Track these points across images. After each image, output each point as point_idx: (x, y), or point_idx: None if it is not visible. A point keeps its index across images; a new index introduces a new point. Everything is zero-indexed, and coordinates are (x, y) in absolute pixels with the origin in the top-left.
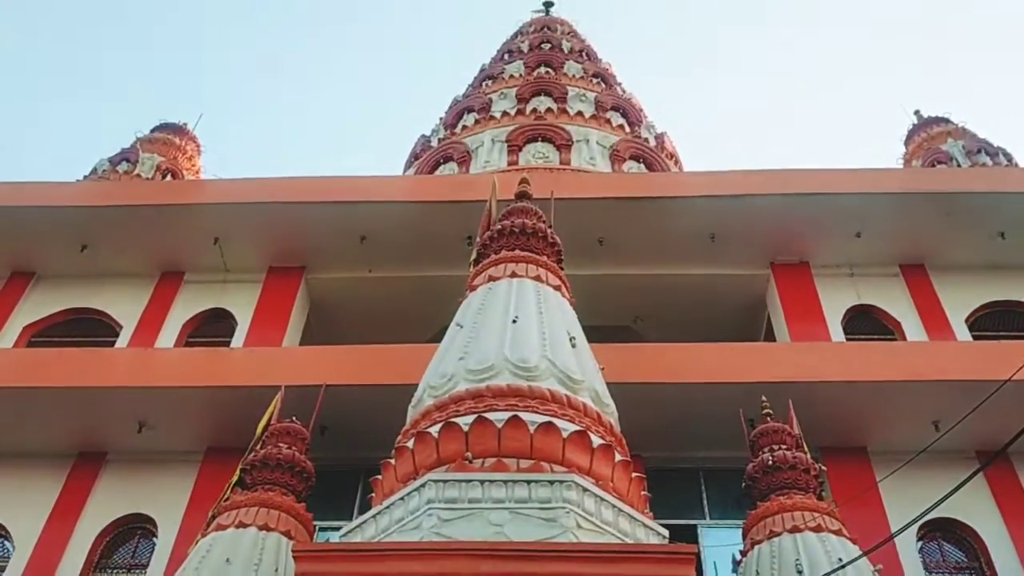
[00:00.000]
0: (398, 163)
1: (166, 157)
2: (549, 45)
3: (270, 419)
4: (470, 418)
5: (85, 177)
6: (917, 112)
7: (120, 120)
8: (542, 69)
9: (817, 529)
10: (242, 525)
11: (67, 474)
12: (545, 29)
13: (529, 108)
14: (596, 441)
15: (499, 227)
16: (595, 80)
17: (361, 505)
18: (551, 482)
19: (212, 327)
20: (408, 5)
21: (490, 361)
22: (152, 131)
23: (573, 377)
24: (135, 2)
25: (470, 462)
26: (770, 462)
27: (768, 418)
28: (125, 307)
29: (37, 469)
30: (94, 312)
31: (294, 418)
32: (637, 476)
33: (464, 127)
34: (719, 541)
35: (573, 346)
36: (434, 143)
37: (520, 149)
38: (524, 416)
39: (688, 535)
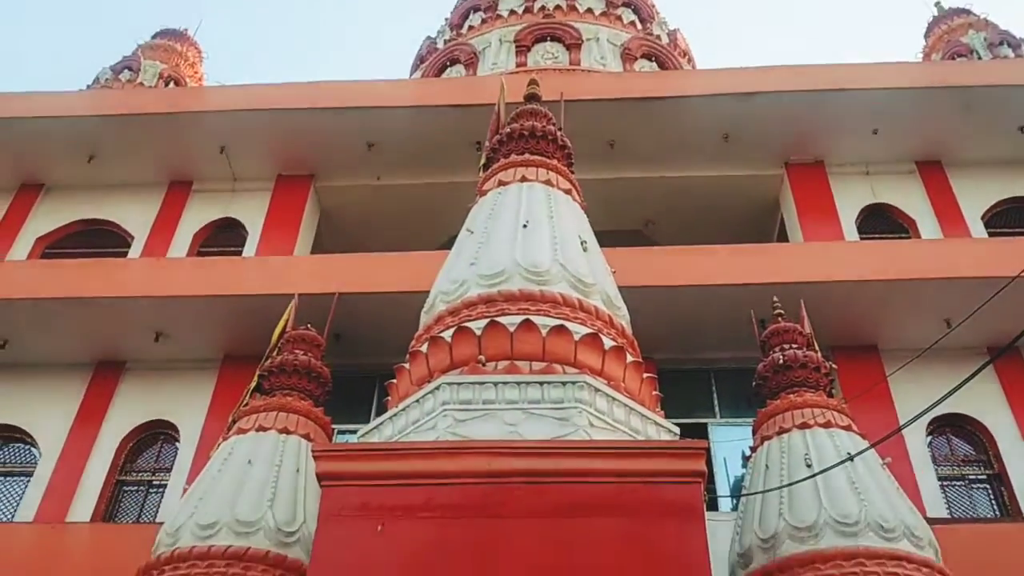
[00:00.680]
0: (405, 67)
1: (168, 64)
2: None
3: (285, 326)
4: (482, 322)
5: (88, 87)
6: (938, 3)
7: (120, 27)
8: None
9: (827, 425)
10: (262, 429)
11: (88, 383)
12: None
13: (537, 6)
14: (608, 343)
15: (508, 130)
16: None
17: (378, 410)
18: (563, 383)
19: (223, 237)
20: None
21: (501, 266)
22: (153, 37)
23: (584, 281)
24: None
25: (483, 365)
26: (781, 361)
27: (779, 318)
28: (135, 218)
29: (59, 378)
30: (105, 223)
31: (308, 325)
32: (649, 376)
33: (470, 27)
34: (729, 439)
35: (584, 250)
36: (440, 45)
37: (528, 49)
38: (536, 320)
39: (699, 433)
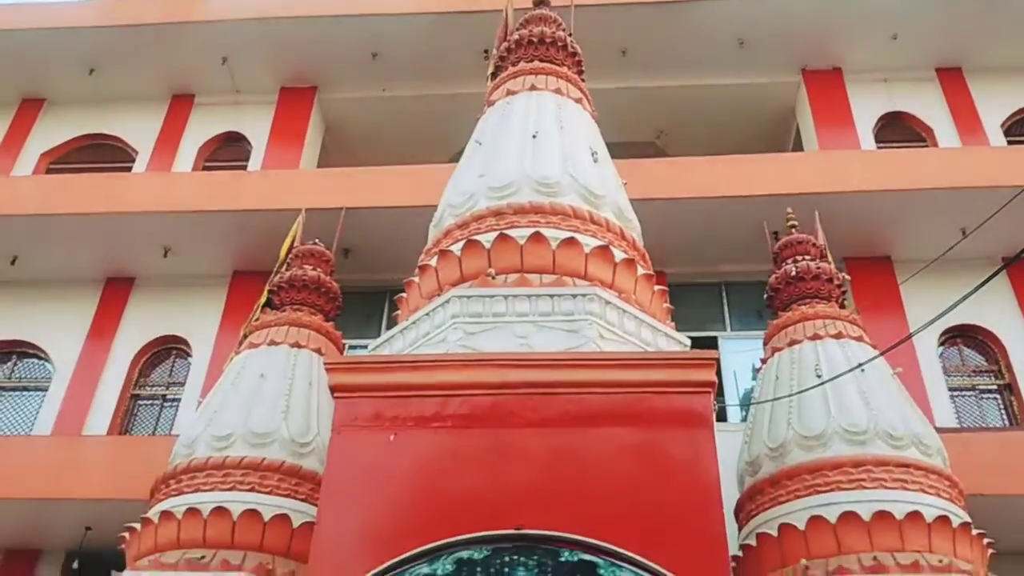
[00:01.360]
0: None
1: None
2: None
3: (293, 241)
4: (492, 235)
5: None
6: None
7: None
8: None
9: (838, 336)
10: (273, 343)
11: (98, 299)
12: None
13: None
14: (618, 255)
15: (516, 37)
16: None
17: (387, 324)
18: (574, 295)
19: (227, 151)
20: None
21: (511, 178)
22: None
23: (595, 192)
24: None
25: (493, 278)
26: (793, 272)
27: (793, 230)
28: (139, 132)
29: (69, 294)
30: (109, 137)
31: (317, 240)
32: (660, 289)
33: None
34: (739, 351)
35: (595, 161)
36: None
37: None
38: (546, 232)
39: (709, 346)
